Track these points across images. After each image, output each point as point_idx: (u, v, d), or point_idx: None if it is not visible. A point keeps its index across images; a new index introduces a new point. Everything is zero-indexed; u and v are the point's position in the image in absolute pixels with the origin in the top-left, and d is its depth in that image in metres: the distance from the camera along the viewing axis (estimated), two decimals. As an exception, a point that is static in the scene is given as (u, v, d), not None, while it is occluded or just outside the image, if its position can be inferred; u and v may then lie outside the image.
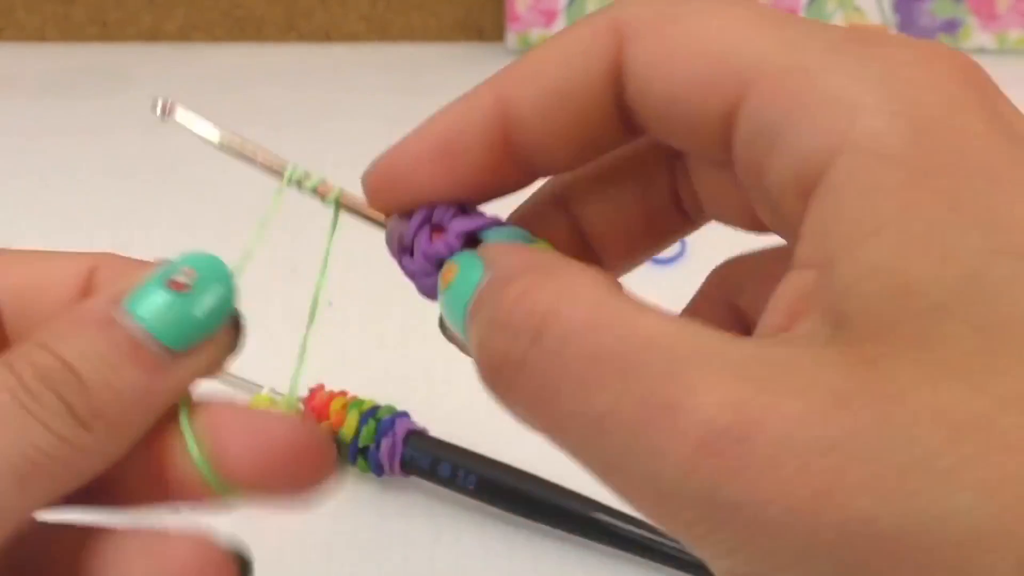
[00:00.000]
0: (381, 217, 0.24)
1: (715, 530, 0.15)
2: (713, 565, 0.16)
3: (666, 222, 0.25)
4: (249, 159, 0.24)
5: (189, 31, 0.93)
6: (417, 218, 0.23)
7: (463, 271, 0.20)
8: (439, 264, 0.22)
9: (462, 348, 0.21)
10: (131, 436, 0.22)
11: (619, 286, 0.18)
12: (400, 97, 0.82)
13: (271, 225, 0.24)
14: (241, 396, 0.35)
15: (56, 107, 0.79)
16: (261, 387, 0.40)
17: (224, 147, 0.24)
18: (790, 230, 0.18)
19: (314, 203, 0.25)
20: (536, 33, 0.90)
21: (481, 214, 0.23)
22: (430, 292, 0.23)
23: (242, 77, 0.86)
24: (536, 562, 0.39)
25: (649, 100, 0.20)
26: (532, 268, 0.18)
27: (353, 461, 0.40)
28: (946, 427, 0.14)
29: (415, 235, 0.23)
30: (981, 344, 0.14)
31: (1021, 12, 0.92)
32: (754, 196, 0.20)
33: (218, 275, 0.23)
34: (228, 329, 0.23)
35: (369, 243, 0.26)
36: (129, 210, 0.64)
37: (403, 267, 0.23)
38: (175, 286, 0.22)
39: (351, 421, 0.40)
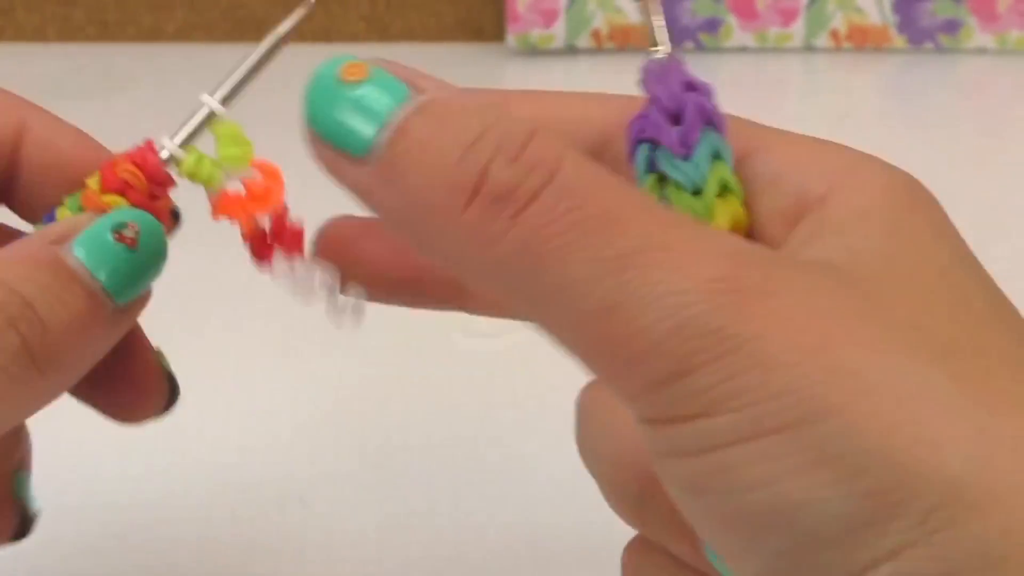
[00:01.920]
0: None
1: (719, 359, 0.16)
2: (677, 433, 0.17)
3: None
4: None
5: (189, 31, 0.93)
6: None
7: (380, 77, 0.19)
8: None
9: (318, 142, 0.19)
10: (70, 382, 0.22)
11: None
12: (400, 97, 0.82)
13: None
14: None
15: (56, 107, 0.79)
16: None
17: None
18: None
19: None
20: (536, 33, 0.90)
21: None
22: None
23: (242, 77, 0.86)
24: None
25: None
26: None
27: None
28: (924, 333, 0.18)
29: None
30: (949, 299, 0.19)
31: (1021, 12, 0.92)
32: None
33: (157, 235, 0.23)
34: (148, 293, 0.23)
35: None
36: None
37: None
38: (122, 238, 0.22)
39: None
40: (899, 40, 0.93)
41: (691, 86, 0.22)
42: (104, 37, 0.92)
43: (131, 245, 0.22)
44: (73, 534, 0.37)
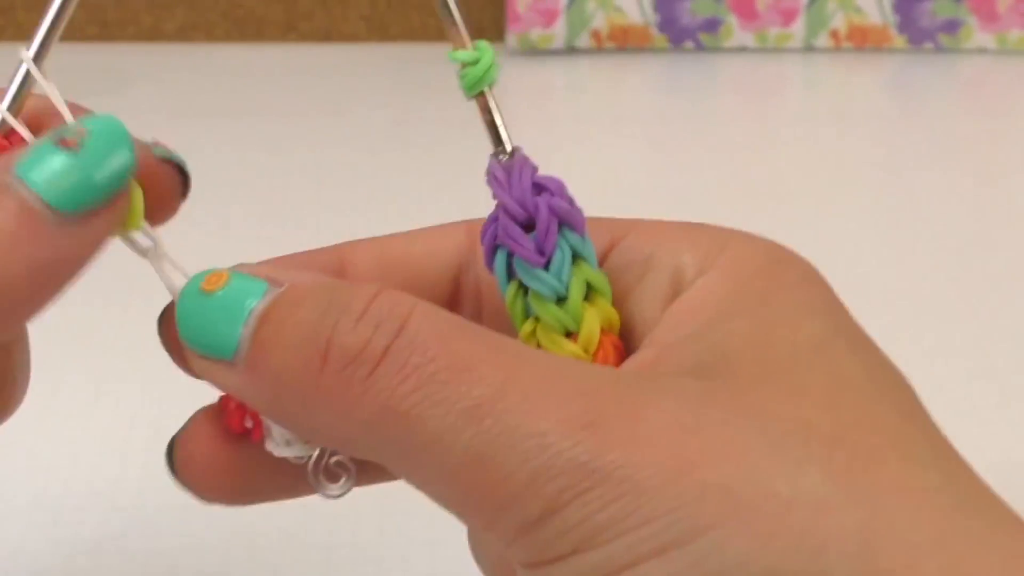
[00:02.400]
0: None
1: (586, 492, 0.16)
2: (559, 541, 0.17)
3: None
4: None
5: (189, 31, 0.93)
6: None
7: (239, 280, 0.20)
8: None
9: (194, 356, 0.20)
10: (31, 312, 0.21)
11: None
12: (400, 97, 0.82)
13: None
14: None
15: (56, 107, 0.79)
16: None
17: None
18: None
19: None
20: (536, 33, 0.90)
21: None
22: None
23: (242, 77, 0.86)
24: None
25: None
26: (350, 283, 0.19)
27: None
28: (802, 432, 0.17)
29: None
30: (829, 386, 0.18)
31: (1021, 12, 0.92)
32: None
33: (115, 135, 0.21)
34: (129, 190, 0.22)
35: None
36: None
37: None
38: (64, 144, 0.20)
39: None
40: (899, 40, 0.93)
41: (540, 187, 0.21)
42: (104, 37, 0.92)
43: (73, 147, 0.20)
44: (73, 534, 0.37)
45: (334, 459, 0.22)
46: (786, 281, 0.20)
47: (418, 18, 0.93)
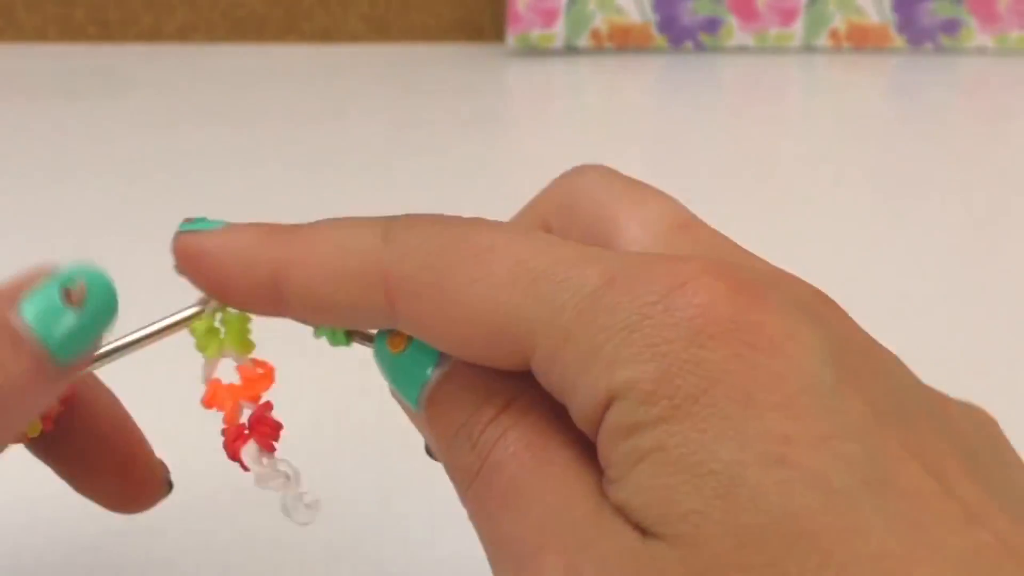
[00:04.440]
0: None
1: None
2: None
3: None
4: None
5: (189, 31, 0.93)
6: None
7: (415, 347, 0.22)
8: None
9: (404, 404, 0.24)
10: (11, 439, 0.23)
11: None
12: (400, 97, 0.82)
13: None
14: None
15: (56, 107, 0.79)
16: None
17: None
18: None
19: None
20: (536, 33, 0.90)
21: None
22: None
23: (242, 77, 0.86)
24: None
25: (439, 345, 0.22)
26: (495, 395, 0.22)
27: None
28: None
29: None
30: (737, 544, 0.17)
31: (1021, 12, 0.92)
32: None
33: (107, 292, 0.23)
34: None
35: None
36: (129, 210, 0.64)
37: None
38: (70, 299, 0.22)
39: None
40: (899, 40, 0.93)
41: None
42: (104, 37, 0.92)
43: (77, 306, 0.22)
44: (73, 534, 0.37)
45: (307, 499, 0.24)
46: (685, 398, 0.18)
47: (418, 18, 0.93)
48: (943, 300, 0.54)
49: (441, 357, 0.22)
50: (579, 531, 0.19)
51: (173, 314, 0.24)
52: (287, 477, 0.24)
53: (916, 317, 0.51)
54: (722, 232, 0.24)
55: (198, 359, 0.26)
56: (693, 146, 0.77)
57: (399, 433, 0.44)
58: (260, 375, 0.25)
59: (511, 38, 0.90)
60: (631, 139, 0.79)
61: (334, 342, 0.25)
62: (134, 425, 0.28)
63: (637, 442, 0.18)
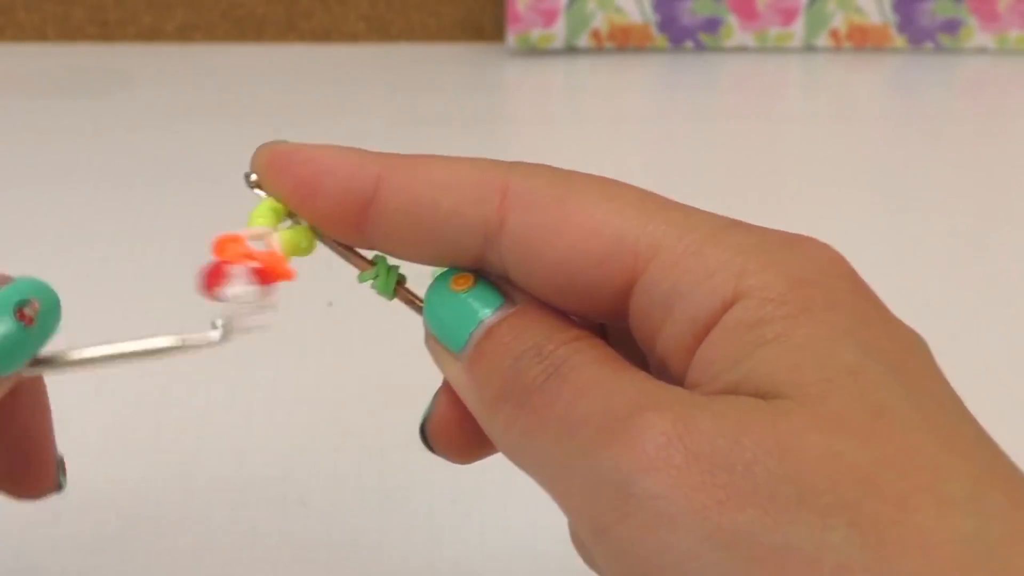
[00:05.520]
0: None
1: (626, 518, 0.18)
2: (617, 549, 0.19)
3: None
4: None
5: (189, 31, 0.93)
6: None
7: (481, 288, 0.23)
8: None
9: (430, 335, 0.23)
10: None
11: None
12: (400, 97, 0.82)
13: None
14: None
15: (56, 107, 0.79)
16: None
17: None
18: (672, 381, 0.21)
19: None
20: (536, 33, 0.90)
21: None
22: None
23: (242, 77, 0.86)
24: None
25: (535, 267, 0.22)
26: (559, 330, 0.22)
27: None
28: (832, 471, 0.17)
29: None
30: (864, 414, 0.18)
31: (1021, 12, 0.92)
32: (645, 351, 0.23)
33: (54, 309, 0.23)
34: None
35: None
36: (129, 210, 0.64)
37: None
38: (22, 317, 0.22)
39: None
40: (899, 40, 0.93)
41: None
42: (104, 37, 0.92)
43: (28, 324, 0.22)
44: (73, 534, 0.37)
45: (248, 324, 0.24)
46: (814, 304, 0.20)
47: (418, 18, 0.93)
48: (943, 300, 0.54)
49: (506, 299, 0.22)
50: (684, 396, 0.20)
51: (145, 338, 0.24)
52: (257, 308, 0.23)
53: (916, 317, 0.51)
54: None
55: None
56: (693, 145, 0.77)
57: (399, 433, 0.44)
58: (280, 270, 0.24)
59: (511, 38, 0.89)
60: (631, 138, 0.79)
61: (381, 289, 0.25)
62: (47, 421, 0.28)
63: (762, 331, 0.19)
